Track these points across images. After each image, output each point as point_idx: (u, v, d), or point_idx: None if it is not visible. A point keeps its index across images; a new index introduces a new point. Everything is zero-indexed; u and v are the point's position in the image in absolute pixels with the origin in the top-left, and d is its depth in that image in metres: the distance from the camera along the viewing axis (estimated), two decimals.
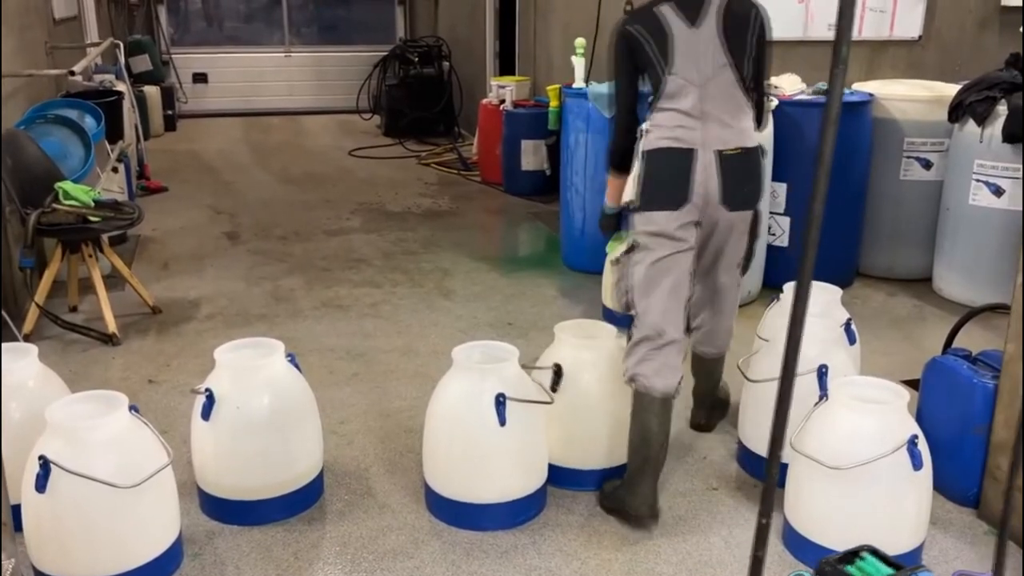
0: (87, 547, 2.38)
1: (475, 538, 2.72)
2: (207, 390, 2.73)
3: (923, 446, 2.49)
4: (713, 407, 3.39)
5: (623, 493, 2.78)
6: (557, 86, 5.84)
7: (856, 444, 2.48)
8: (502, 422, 2.64)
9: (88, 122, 5.04)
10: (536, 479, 2.81)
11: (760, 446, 3.03)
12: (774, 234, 4.76)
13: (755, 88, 2.83)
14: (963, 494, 2.88)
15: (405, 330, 4.32)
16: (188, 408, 3.13)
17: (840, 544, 2.27)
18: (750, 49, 2.77)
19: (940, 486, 2.75)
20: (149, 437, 2.51)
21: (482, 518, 2.74)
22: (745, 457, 3.10)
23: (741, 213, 2.85)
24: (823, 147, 0.89)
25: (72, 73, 4.75)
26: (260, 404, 2.75)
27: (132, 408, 2.52)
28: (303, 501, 2.86)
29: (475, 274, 5.15)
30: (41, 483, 2.32)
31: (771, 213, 4.69)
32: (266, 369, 2.79)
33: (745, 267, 3.10)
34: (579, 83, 5.13)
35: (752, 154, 2.82)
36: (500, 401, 2.64)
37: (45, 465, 2.31)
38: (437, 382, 2.86)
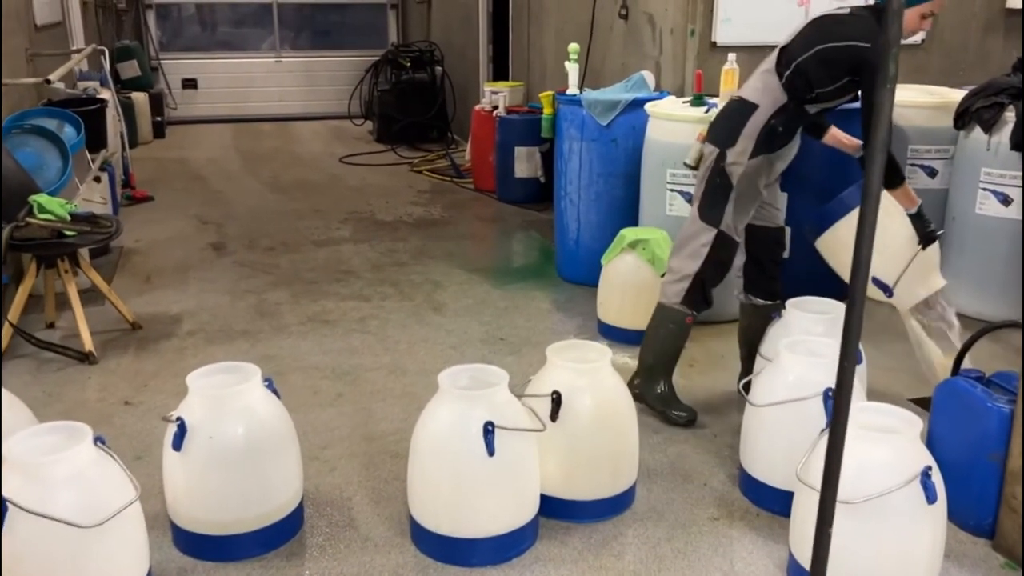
0: None
1: (462, 575, 2.57)
2: (178, 419, 2.58)
3: (937, 478, 2.35)
4: None
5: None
6: (550, 93, 5.70)
7: (866, 476, 2.33)
8: (491, 452, 2.49)
9: (67, 131, 4.89)
10: (527, 511, 2.66)
11: (763, 473, 2.88)
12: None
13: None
14: (977, 524, 2.74)
15: (393, 347, 4.17)
16: (164, 433, 2.99)
17: None
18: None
19: (953, 515, 2.59)
20: (115, 471, 2.36)
21: (470, 553, 2.59)
22: (747, 484, 2.95)
23: (710, 146, 3.33)
24: (869, 178, 0.75)
25: (48, 81, 4.60)
26: (235, 434, 2.60)
27: (98, 439, 2.36)
28: (281, 535, 2.71)
29: (467, 286, 5.01)
30: None
31: None
32: (241, 396, 2.64)
33: (700, 212, 3.35)
34: (573, 89, 4.99)
35: (734, 102, 3.36)
36: (488, 430, 2.49)
37: (1, 504, 2.16)
38: (425, 403, 2.71)
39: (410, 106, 9.13)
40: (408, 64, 9.32)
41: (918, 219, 3.41)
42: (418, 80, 9.31)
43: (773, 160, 3.39)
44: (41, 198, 4.00)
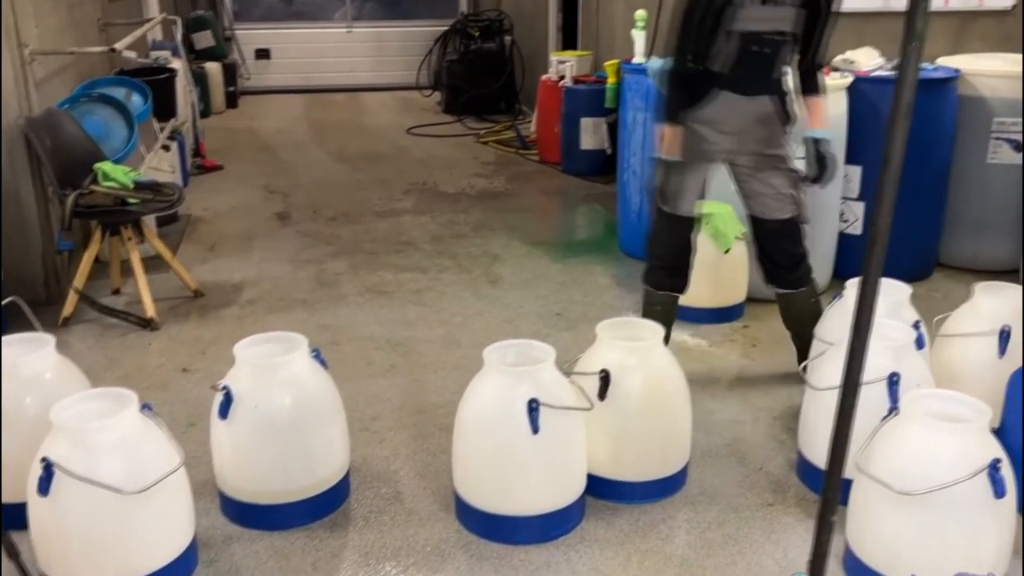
0: (91, 554, 2.25)
1: (505, 552, 2.53)
2: (225, 388, 2.58)
3: (1007, 471, 2.21)
4: None
5: None
6: (615, 61, 5.56)
7: (930, 466, 2.21)
8: (535, 429, 2.43)
9: (135, 100, 4.96)
10: (573, 490, 2.60)
11: (822, 459, 2.73)
12: (846, 220, 4.43)
13: None
14: None
15: (448, 319, 4.14)
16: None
17: None
18: None
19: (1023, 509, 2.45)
20: (161, 438, 2.38)
21: (513, 531, 2.55)
22: (805, 470, 2.84)
23: None
24: (892, 138, 0.67)
25: (114, 50, 4.66)
26: (280, 404, 2.59)
27: (144, 407, 2.38)
28: (326, 506, 2.71)
29: (526, 260, 4.94)
30: (44, 486, 2.20)
31: (843, 198, 4.37)
32: (287, 367, 2.63)
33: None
34: (639, 58, 4.85)
35: None
36: (533, 407, 2.43)
37: (48, 468, 2.19)
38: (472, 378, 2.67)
39: (478, 76, 9.04)
40: (477, 34, 9.22)
41: (816, 147, 3.10)
42: (487, 50, 9.21)
43: (704, 127, 3.12)
44: (105, 166, 4.06)
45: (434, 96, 9.90)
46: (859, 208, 4.40)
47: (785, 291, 3.36)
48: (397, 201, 6.13)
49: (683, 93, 3.11)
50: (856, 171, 4.35)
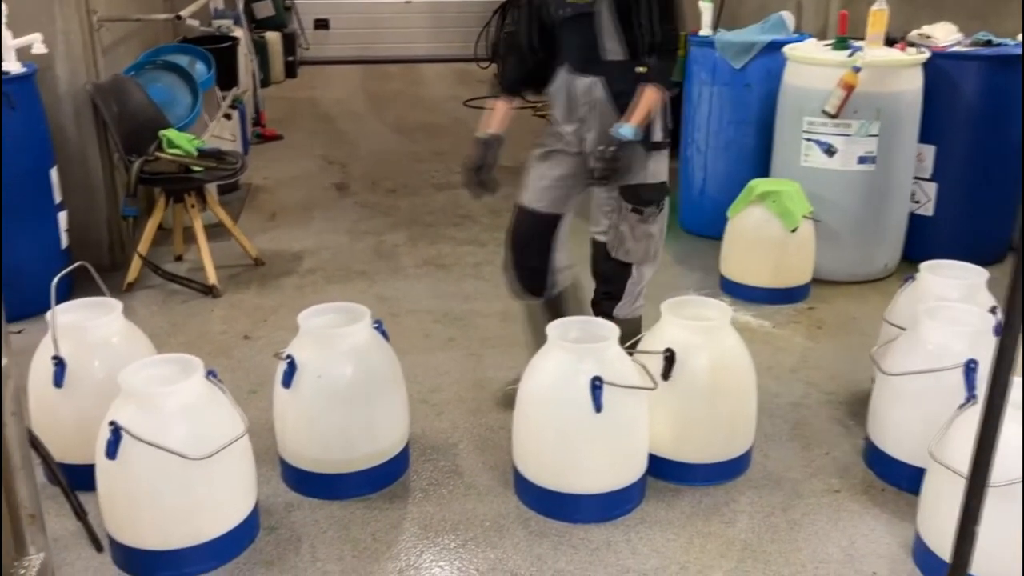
0: (156, 518, 2.28)
1: (564, 530, 2.50)
2: (288, 356, 2.59)
3: None
4: None
5: None
6: (681, 34, 5.43)
7: (1010, 457, 2.12)
8: (598, 408, 2.40)
9: (199, 68, 4.99)
10: (634, 470, 2.56)
11: (892, 446, 2.69)
12: (917, 201, 4.29)
13: None
14: None
15: (506, 294, 4.10)
16: (278, 369, 3.03)
17: (987, 572, 1.95)
18: None
19: None
20: (225, 404, 2.39)
21: (573, 509, 2.52)
22: (874, 457, 2.76)
23: None
24: None
25: (179, 18, 4.68)
26: (342, 374, 2.59)
27: (210, 373, 2.40)
28: (386, 477, 2.71)
29: (584, 235, 4.86)
30: (111, 449, 2.22)
31: (916, 178, 4.23)
32: (350, 337, 2.63)
33: None
34: (706, 31, 4.73)
35: None
36: (596, 385, 2.39)
37: (116, 431, 2.22)
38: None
39: None
40: None
41: (608, 143, 2.58)
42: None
43: (552, 110, 2.77)
44: (170, 133, 4.09)
45: (491, 68, 9.82)
46: (931, 189, 4.27)
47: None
48: (455, 173, 6.08)
49: (520, 62, 2.82)
50: (930, 151, 4.21)
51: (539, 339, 2.71)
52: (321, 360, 2.59)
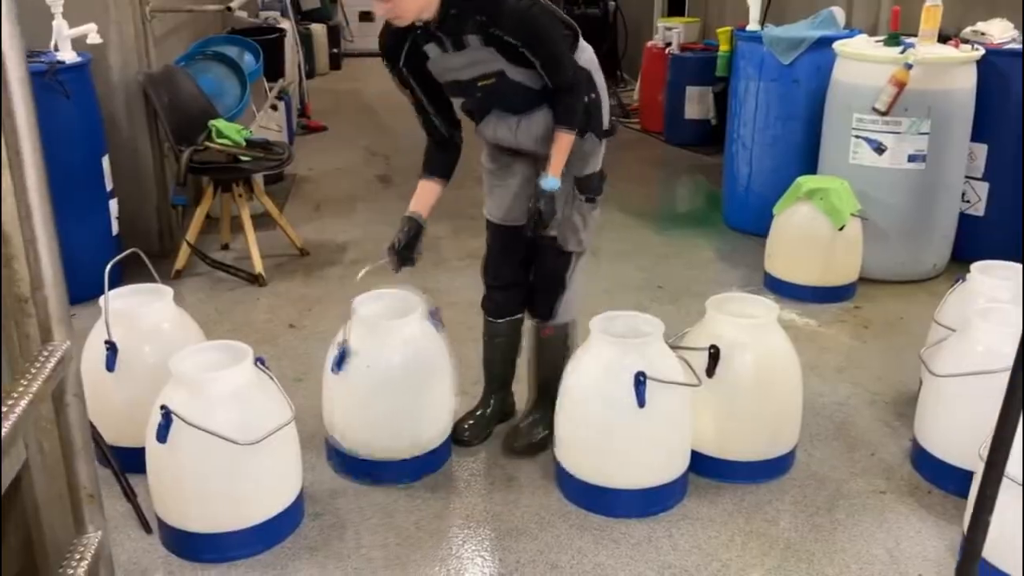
0: (204, 501, 2.33)
1: (606, 524, 2.51)
2: (344, 342, 2.61)
3: None
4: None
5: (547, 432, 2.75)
6: (728, 29, 5.40)
7: None
8: (641, 403, 2.40)
9: (247, 59, 5.04)
10: (677, 466, 2.56)
11: (940, 448, 2.65)
12: (968, 201, 4.22)
13: None
14: None
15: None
16: (325, 356, 3.06)
17: None
18: None
19: None
20: (273, 391, 2.43)
21: (615, 503, 2.53)
22: (921, 459, 2.73)
23: None
24: None
25: (230, 9, 4.74)
26: (392, 364, 2.62)
27: (258, 360, 2.43)
28: (429, 466, 2.73)
29: (625, 230, 4.87)
30: (162, 433, 2.27)
31: (967, 178, 4.16)
32: (402, 328, 2.65)
33: None
34: (754, 26, 4.69)
35: None
36: (640, 380, 2.39)
37: (167, 416, 2.26)
38: (576, 348, 2.64)
39: None
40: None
41: (535, 195, 2.59)
42: (590, 16, 9.04)
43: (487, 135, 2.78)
44: (219, 123, 4.15)
45: None
46: (983, 188, 4.19)
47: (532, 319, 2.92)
48: None
49: (439, 148, 2.87)
50: (981, 149, 4.14)
51: (505, 366, 2.91)
52: (372, 348, 2.61)
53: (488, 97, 2.61)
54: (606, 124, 2.71)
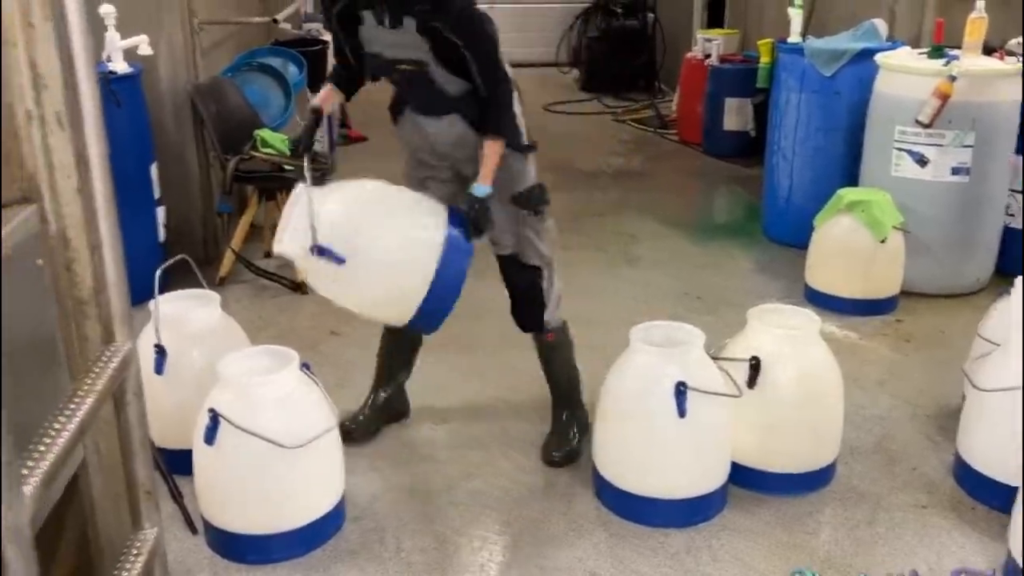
0: (250, 503, 2.37)
1: (644, 534, 2.51)
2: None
3: None
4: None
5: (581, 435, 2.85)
6: (769, 40, 5.39)
7: None
8: (682, 413, 2.41)
9: (291, 70, 5.13)
10: (717, 477, 2.56)
11: (983, 463, 2.63)
12: (1012, 214, 4.17)
13: None
14: None
15: (583, 297, 4.10)
16: (366, 363, 3.11)
17: None
18: None
19: None
20: (318, 396, 2.47)
21: (653, 513, 2.53)
22: (963, 473, 2.70)
23: None
24: None
25: (275, 21, 4.83)
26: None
27: (304, 365, 2.48)
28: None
29: (663, 241, 4.87)
30: (210, 435, 2.32)
31: (1011, 191, 4.11)
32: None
33: None
34: (795, 38, 4.68)
35: None
36: (681, 390, 2.40)
37: (214, 418, 2.31)
38: (611, 357, 2.66)
39: (619, 54, 8.93)
40: (620, 11, 9.12)
41: (466, 203, 2.56)
42: (629, 27, 9.09)
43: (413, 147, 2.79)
44: (264, 133, 4.22)
45: (571, 73, 9.85)
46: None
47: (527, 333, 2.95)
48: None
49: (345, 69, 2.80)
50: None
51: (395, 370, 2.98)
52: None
53: (403, 83, 2.67)
54: (525, 140, 2.73)
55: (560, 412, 2.95)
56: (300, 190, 2.47)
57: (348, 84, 2.88)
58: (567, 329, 2.96)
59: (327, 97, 2.86)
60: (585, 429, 2.86)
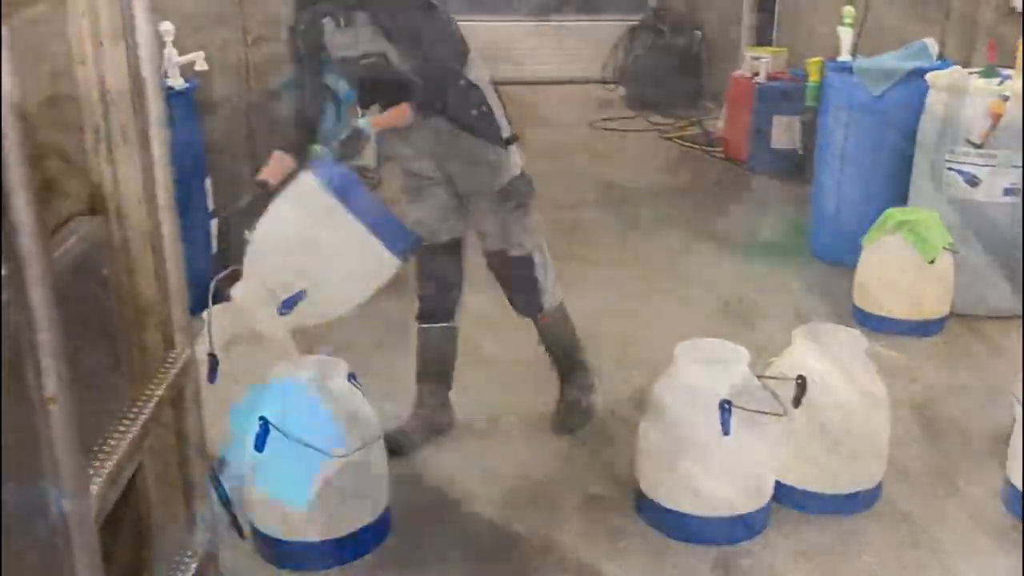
0: (296, 510, 2.41)
1: (685, 550, 2.52)
2: None
3: None
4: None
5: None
6: (819, 59, 5.37)
7: None
8: (726, 431, 2.40)
9: (340, 85, 5.21)
10: (760, 496, 2.55)
11: None
12: None
13: None
14: None
15: (627, 314, 4.14)
16: (412, 374, 3.16)
17: None
18: None
19: None
20: (364, 407, 2.51)
21: (696, 530, 2.53)
22: (1013, 499, 2.66)
23: None
24: None
25: None
26: None
27: (351, 376, 2.52)
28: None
29: (709, 258, 4.86)
30: (260, 442, 2.37)
31: None
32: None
33: None
34: (844, 56, 4.67)
35: None
36: (726, 408, 2.40)
37: (264, 425, 2.36)
38: (654, 373, 2.67)
39: (665, 72, 8.94)
40: (667, 29, 9.14)
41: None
42: (675, 45, 9.10)
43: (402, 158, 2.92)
44: (317, 147, 4.29)
45: (617, 91, 9.87)
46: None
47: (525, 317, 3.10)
48: (578, 195, 6.16)
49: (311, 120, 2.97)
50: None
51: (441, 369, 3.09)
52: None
53: (369, 78, 2.76)
54: (505, 133, 2.85)
55: (565, 382, 3.16)
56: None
57: (299, 149, 2.96)
58: (563, 307, 3.11)
59: (276, 169, 2.85)
60: (591, 388, 3.16)
